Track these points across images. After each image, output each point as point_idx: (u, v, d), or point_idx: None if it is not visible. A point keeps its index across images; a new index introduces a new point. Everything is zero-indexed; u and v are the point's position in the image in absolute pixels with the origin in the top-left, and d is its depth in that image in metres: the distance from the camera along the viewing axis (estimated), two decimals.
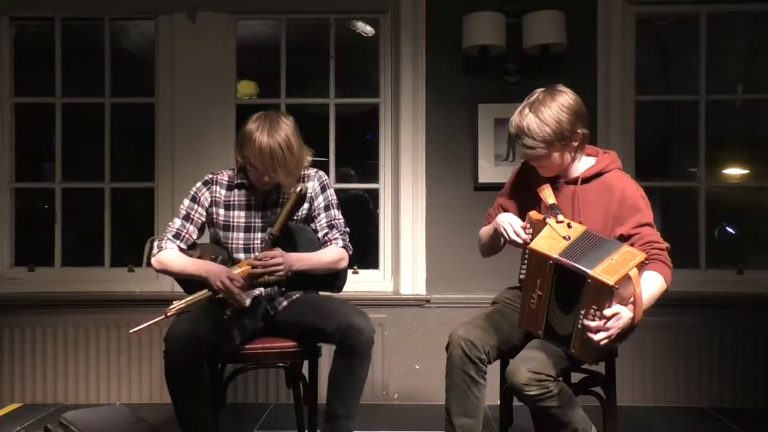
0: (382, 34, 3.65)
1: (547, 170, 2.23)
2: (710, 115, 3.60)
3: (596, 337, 1.90)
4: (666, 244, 2.12)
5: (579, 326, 1.95)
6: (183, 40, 3.56)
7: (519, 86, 3.42)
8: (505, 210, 2.37)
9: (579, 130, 2.14)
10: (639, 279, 1.93)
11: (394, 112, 3.58)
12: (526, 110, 2.13)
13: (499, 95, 3.44)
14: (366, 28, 3.79)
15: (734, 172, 4.02)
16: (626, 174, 2.26)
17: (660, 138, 4.23)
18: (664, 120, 4.22)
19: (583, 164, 2.25)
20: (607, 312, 1.89)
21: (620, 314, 1.90)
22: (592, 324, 1.90)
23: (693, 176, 3.71)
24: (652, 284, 2.03)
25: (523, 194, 2.32)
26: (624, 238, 2.11)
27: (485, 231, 2.42)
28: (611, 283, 1.86)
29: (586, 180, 2.21)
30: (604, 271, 1.89)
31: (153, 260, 2.44)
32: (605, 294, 1.88)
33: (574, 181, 2.22)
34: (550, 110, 2.09)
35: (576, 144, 2.17)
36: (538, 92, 2.16)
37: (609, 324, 1.89)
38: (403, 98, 3.51)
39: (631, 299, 1.92)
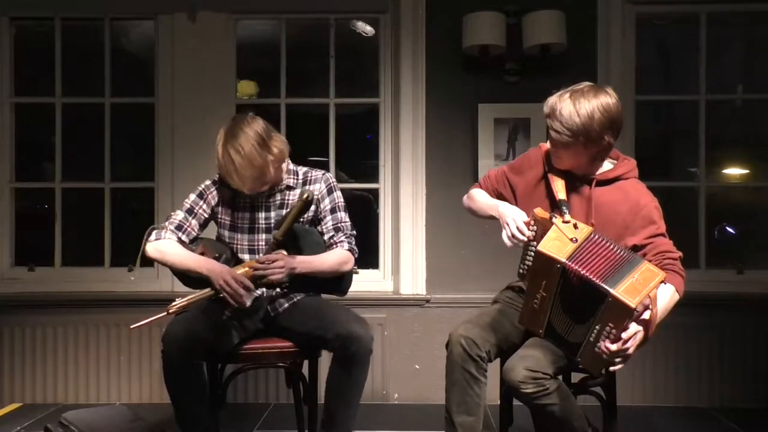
0: (382, 34, 3.65)
1: (562, 161, 2.17)
2: (710, 115, 3.60)
3: (614, 358, 1.88)
4: (679, 254, 2.09)
5: (591, 339, 1.93)
6: (183, 40, 3.57)
7: (519, 86, 3.43)
8: (513, 186, 2.31)
9: (606, 136, 2.09)
10: (656, 300, 1.92)
11: (394, 112, 3.58)
12: (567, 95, 2.09)
13: (499, 95, 3.44)
14: (366, 28, 3.79)
15: (734, 172, 4.01)
16: (642, 183, 2.22)
17: (660, 138, 4.23)
18: (664, 120, 4.22)
19: (602, 166, 2.21)
20: (624, 335, 1.86)
21: (638, 333, 1.88)
22: (611, 347, 1.87)
23: (693, 176, 3.71)
24: (665, 296, 2.00)
25: (535, 177, 2.26)
26: (637, 248, 2.08)
27: (481, 200, 2.34)
28: (633, 305, 1.83)
29: (602, 182, 2.18)
30: (626, 291, 1.85)
31: (149, 246, 2.42)
32: (625, 314, 1.86)
33: (590, 182, 2.18)
34: (588, 103, 2.05)
35: (598, 149, 2.11)
36: (585, 84, 2.12)
37: (627, 344, 1.87)
38: (403, 98, 3.51)
39: (645, 316, 1.90)
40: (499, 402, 2.36)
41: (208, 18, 3.57)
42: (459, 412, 2.13)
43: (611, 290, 1.86)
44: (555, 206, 2.16)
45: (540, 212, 2.09)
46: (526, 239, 2.09)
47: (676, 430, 3.13)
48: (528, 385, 1.95)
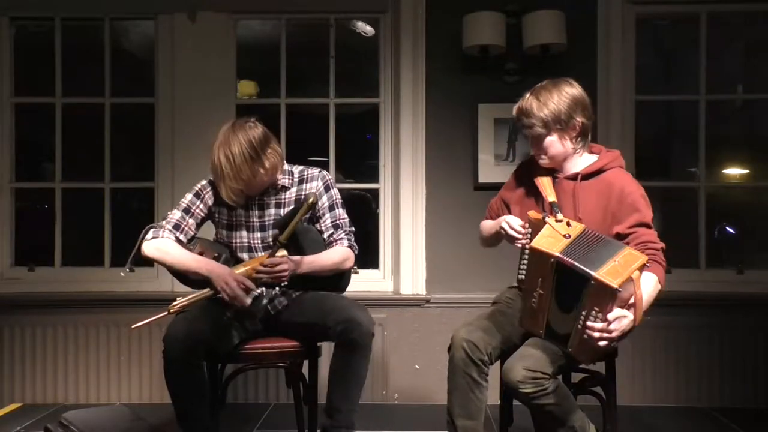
0: (382, 34, 3.65)
1: (546, 158, 2.25)
2: (710, 115, 3.60)
3: (597, 336, 1.90)
4: (661, 245, 2.13)
5: (579, 326, 1.95)
6: (183, 40, 3.57)
7: (519, 86, 3.41)
8: (507, 203, 2.40)
9: (578, 118, 2.20)
10: (640, 281, 1.94)
11: (394, 112, 3.58)
12: (528, 94, 2.24)
13: (499, 95, 3.44)
14: (366, 28, 3.79)
15: (734, 172, 4.02)
16: (627, 173, 2.28)
17: (660, 138, 4.23)
18: (664, 120, 4.22)
19: (584, 160, 2.27)
20: (610, 315, 1.89)
21: (622, 317, 1.90)
22: (596, 326, 1.90)
23: (693, 176, 3.71)
24: (648, 285, 2.03)
25: (525, 188, 2.34)
26: (621, 237, 2.12)
27: (487, 225, 2.44)
28: (615, 285, 1.86)
29: (587, 176, 2.23)
30: (608, 273, 1.89)
31: (148, 245, 2.39)
32: (608, 296, 1.89)
33: (574, 177, 2.24)
34: (549, 94, 2.19)
35: (575, 133, 2.21)
36: (545, 81, 2.26)
37: (611, 326, 1.89)
38: (403, 98, 3.51)
39: (631, 301, 1.93)
40: (499, 402, 2.37)
41: (208, 18, 3.57)
42: (461, 416, 2.14)
43: (593, 273, 1.90)
44: (546, 210, 2.21)
45: (533, 214, 2.17)
46: (521, 237, 2.17)
47: (676, 430, 3.13)
48: (527, 385, 1.96)
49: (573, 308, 1.97)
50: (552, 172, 2.28)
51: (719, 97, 3.69)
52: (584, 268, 1.92)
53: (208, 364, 2.39)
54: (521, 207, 2.31)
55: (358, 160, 3.94)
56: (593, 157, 2.29)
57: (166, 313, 2.26)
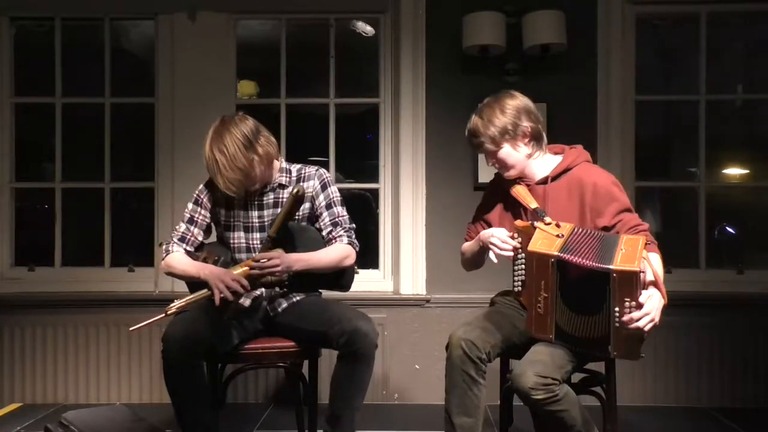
0: (382, 34, 3.65)
1: (507, 169, 2.29)
2: (710, 115, 3.60)
3: (642, 324, 1.93)
4: (647, 225, 2.20)
5: (616, 325, 1.97)
6: (183, 40, 3.57)
7: (519, 86, 3.39)
8: (488, 222, 2.39)
9: (524, 124, 2.24)
10: (650, 260, 2.01)
11: (394, 112, 3.58)
12: (474, 115, 2.30)
13: None
14: (366, 28, 3.79)
15: (734, 172, 4.01)
16: (594, 165, 2.33)
17: (660, 138, 4.23)
18: (664, 120, 4.22)
19: (549, 162, 2.31)
20: (641, 299, 1.94)
21: (651, 295, 1.96)
22: (635, 315, 1.93)
23: (693, 176, 3.71)
24: (657, 263, 2.09)
25: (501, 204, 2.37)
26: (607, 229, 2.16)
27: (468, 247, 2.44)
28: (636, 268, 1.91)
29: (556, 177, 2.27)
30: (623, 261, 1.94)
31: (162, 265, 2.49)
32: (633, 282, 1.93)
33: (544, 181, 2.28)
34: (492, 111, 2.26)
35: (527, 139, 2.25)
36: (487, 98, 2.32)
37: (646, 308, 1.94)
38: (403, 98, 3.51)
39: (651, 278, 1.99)
40: (499, 402, 2.36)
41: (208, 18, 3.57)
42: (458, 414, 2.14)
43: (611, 266, 1.94)
44: (530, 217, 2.23)
45: (520, 223, 2.20)
46: (512, 248, 2.17)
47: (676, 430, 3.13)
48: (539, 392, 1.95)
49: (595, 310, 1.99)
50: (522, 180, 2.32)
51: (719, 97, 3.69)
52: (600, 265, 1.95)
53: (208, 364, 2.39)
54: (503, 222, 2.32)
55: (358, 160, 3.93)
56: (558, 158, 2.32)
57: (163, 315, 2.27)
